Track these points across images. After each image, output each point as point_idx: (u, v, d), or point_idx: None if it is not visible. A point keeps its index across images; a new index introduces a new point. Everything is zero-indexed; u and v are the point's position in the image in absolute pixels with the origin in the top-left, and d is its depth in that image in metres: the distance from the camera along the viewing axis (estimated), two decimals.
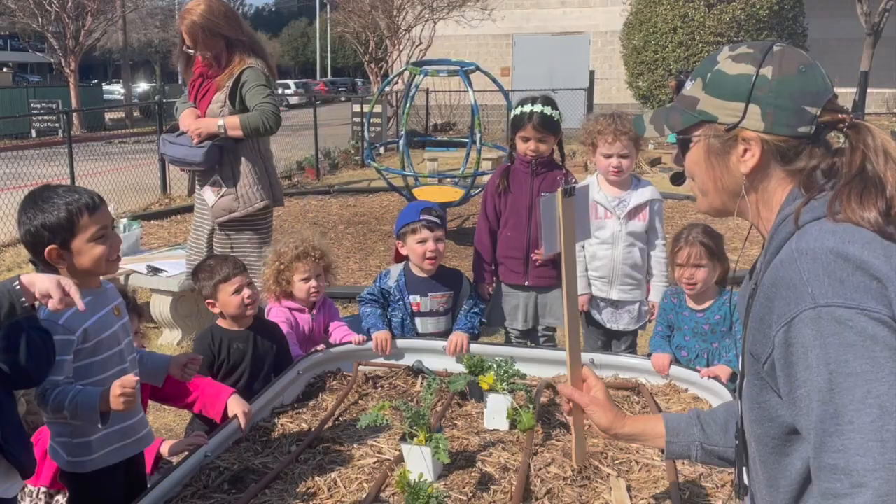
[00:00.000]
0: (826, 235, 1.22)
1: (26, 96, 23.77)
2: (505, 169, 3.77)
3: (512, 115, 3.79)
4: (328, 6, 43.59)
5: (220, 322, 3.13)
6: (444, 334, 3.32)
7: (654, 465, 2.29)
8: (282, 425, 2.62)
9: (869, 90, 17.16)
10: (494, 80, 8.92)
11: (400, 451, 2.29)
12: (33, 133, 20.98)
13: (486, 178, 6.75)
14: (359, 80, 48.86)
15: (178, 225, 9.59)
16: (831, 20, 20.16)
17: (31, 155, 12.63)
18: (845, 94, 16.32)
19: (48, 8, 22.90)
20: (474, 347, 3.15)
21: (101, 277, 2.28)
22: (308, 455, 2.39)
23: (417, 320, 3.38)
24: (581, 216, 1.80)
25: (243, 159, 4.21)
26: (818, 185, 1.32)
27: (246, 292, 3.07)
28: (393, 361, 3.17)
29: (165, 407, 3.81)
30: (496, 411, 2.58)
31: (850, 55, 18.35)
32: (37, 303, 1.81)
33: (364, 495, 2.12)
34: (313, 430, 2.56)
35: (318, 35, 59.10)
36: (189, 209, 7.47)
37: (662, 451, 1.71)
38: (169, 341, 5.48)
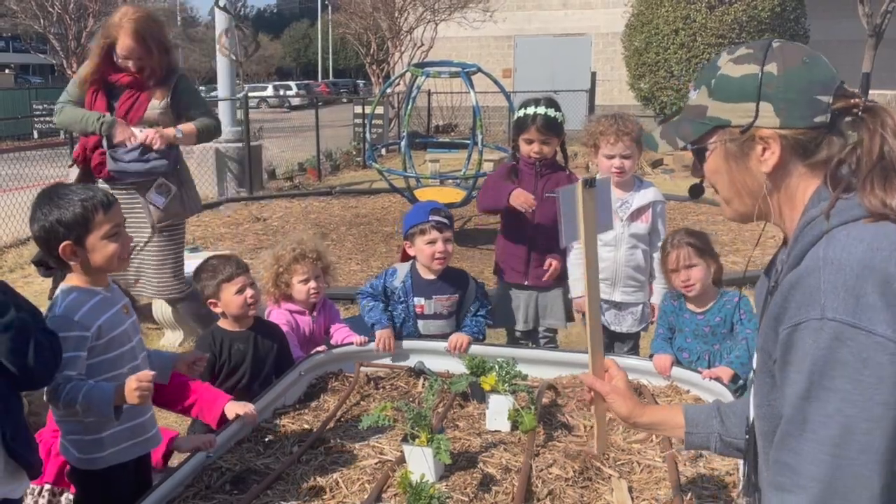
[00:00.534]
0: (854, 244, 1.20)
1: (28, 98, 23.75)
2: (511, 167, 3.77)
3: (515, 117, 3.79)
4: (330, 7, 43.61)
5: (222, 323, 3.14)
6: (446, 337, 3.30)
7: (655, 467, 2.29)
8: (284, 426, 2.63)
9: (871, 92, 17.12)
10: (496, 82, 8.91)
11: (402, 451, 2.29)
12: (35, 134, 20.99)
13: None
14: (360, 82, 48.81)
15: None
16: (833, 21, 20.11)
17: (34, 156, 12.62)
18: None
19: (50, 9, 22.90)
20: (475, 348, 3.15)
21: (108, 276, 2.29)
22: (310, 456, 2.39)
23: (420, 323, 3.37)
24: (604, 207, 1.80)
25: (185, 164, 4.50)
26: (845, 180, 1.29)
27: (249, 292, 3.08)
28: (395, 362, 3.17)
29: None
30: (498, 412, 2.58)
31: (852, 56, 18.30)
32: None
33: (366, 496, 2.13)
34: (315, 430, 2.57)
35: (319, 36, 59.11)
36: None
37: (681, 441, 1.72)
38: (171, 342, 5.48)
